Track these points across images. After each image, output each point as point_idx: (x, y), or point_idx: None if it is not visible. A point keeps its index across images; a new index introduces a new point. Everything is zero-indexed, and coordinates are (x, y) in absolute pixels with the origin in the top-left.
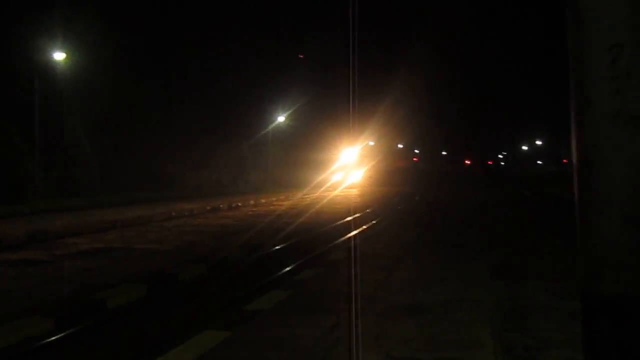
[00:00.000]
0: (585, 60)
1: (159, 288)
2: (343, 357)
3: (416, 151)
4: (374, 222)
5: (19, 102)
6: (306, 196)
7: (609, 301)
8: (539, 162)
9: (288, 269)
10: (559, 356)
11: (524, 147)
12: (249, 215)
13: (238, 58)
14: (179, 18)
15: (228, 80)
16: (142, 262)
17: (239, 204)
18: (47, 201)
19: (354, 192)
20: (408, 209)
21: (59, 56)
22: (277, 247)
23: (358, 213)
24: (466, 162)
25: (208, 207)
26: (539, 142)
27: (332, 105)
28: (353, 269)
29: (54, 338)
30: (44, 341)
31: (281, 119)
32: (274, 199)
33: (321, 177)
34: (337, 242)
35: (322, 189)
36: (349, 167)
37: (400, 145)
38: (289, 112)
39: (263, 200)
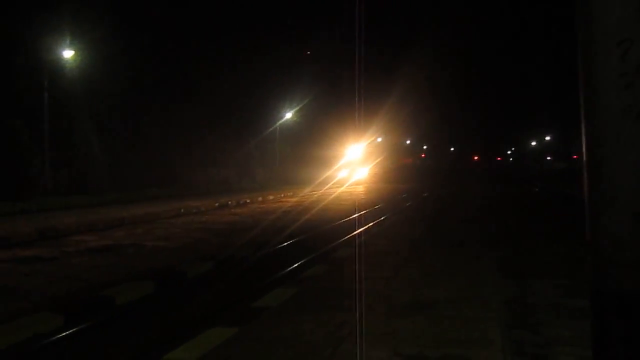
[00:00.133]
0: (595, 56)
1: (167, 285)
2: (350, 354)
3: (424, 147)
4: (381, 218)
5: (27, 100)
6: (312, 193)
7: (618, 298)
8: (548, 158)
9: (295, 265)
10: (568, 353)
11: (533, 143)
12: (256, 212)
13: (244, 56)
14: (186, 16)
15: (235, 79)
16: (150, 259)
17: (247, 201)
18: (56, 199)
19: (360, 189)
20: (415, 207)
21: (68, 54)
22: (284, 244)
23: (365, 210)
24: (474, 158)
25: (216, 204)
26: (548, 138)
27: (338, 102)
28: (360, 266)
29: (63, 334)
30: (53, 337)
31: (288, 115)
32: (281, 195)
33: (327, 174)
34: (344, 239)
35: (327, 186)
36: (354, 164)
37: (407, 142)
38: (296, 109)
39: (271, 197)
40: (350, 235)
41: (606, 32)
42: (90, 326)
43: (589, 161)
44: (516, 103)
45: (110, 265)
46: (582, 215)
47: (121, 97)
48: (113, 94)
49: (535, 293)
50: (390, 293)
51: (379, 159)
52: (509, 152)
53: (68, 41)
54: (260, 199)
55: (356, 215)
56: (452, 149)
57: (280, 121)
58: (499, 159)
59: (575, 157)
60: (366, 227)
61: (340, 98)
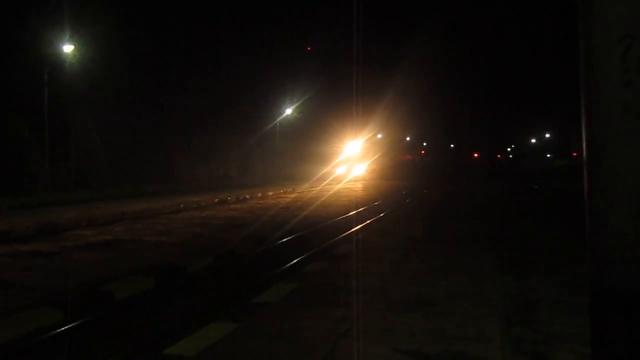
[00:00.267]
0: (596, 52)
1: (167, 280)
2: (349, 350)
3: (424, 144)
4: (381, 215)
5: (27, 95)
6: (311, 189)
7: (617, 295)
8: (548, 155)
9: (295, 261)
10: (567, 350)
11: (533, 140)
12: (256, 207)
13: (245, 51)
14: (187, 11)
15: (236, 75)
16: (150, 254)
17: (247, 196)
18: (56, 194)
19: (358, 185)
20: (414, 203)
21: (68, 48)
22: (284, 240)
23: (364, 206)
24: (474, 155)
25: (216, 200)
26: (548, 135)
27: (338, 98)
28: (359, 263)
29: (63, 329)
30: (53, 332)
31: (288, 111)
32: (281, 191)
33: (325, 170)
34: (343, 235)
35: (325, 182)
36: (352, 160)
37: (407, 139)
38: (296, 105)
39: (270, 193)
40: (350, 231)
41: (607, 29)
42: (89, 321)
43: (589, 158)
44: (517, 100)
45: (110, 260)
46: (581, 213)
47: (121, 92)
48: (113, 89)
49: (534, 290)
50: (389, 289)
51: (377, 156)
52: (508, 150)
53: (68, 36)
54: (259, 194)
55: (355, 211)
56: (452, 146)
57: (280, 117)
58: (499, 156)
59: (575, 154)
60: (365, 223)
61: (340, 95)
